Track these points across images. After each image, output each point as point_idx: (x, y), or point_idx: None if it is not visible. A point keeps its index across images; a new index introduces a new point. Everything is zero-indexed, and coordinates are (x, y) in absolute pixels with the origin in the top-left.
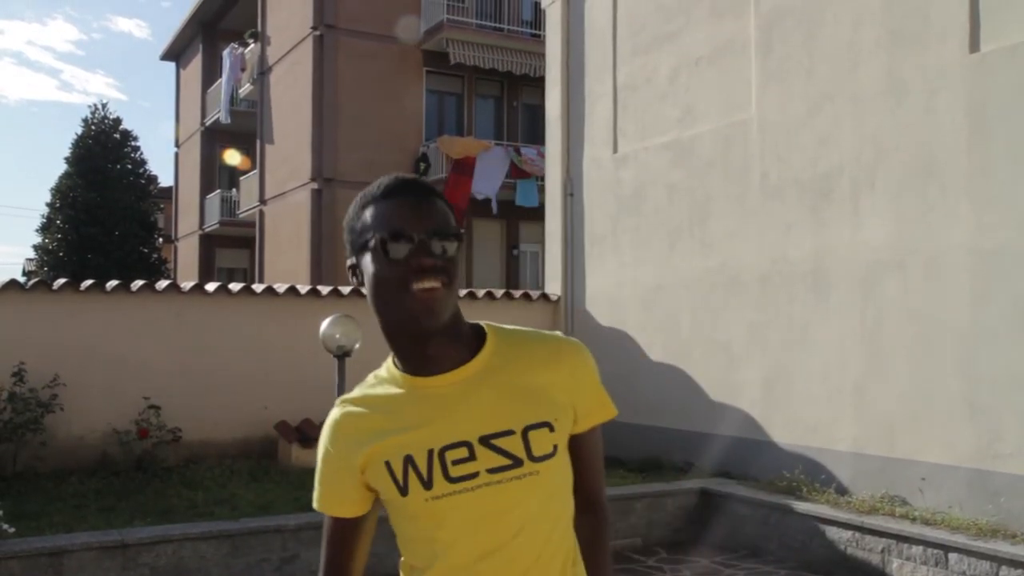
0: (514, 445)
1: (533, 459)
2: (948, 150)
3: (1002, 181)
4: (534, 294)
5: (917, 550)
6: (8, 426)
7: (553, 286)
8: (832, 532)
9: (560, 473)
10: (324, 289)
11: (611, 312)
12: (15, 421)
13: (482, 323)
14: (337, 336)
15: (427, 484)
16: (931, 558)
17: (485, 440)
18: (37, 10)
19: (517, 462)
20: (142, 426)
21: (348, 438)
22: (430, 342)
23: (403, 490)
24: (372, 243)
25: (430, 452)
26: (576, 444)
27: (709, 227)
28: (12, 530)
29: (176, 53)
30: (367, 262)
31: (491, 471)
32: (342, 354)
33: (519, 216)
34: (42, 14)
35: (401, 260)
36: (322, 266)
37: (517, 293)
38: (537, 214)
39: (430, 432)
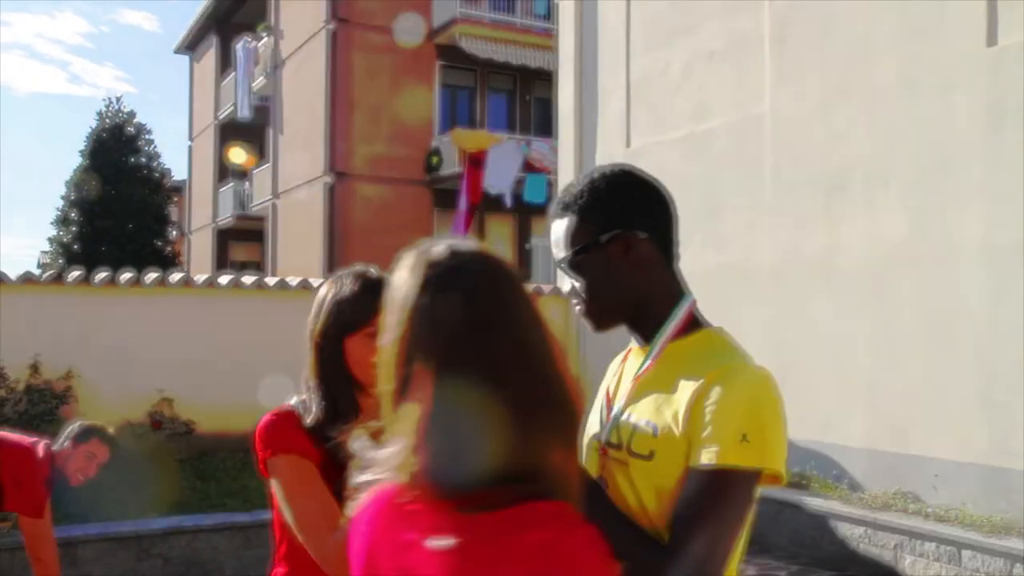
0: (626, 430)
1: (630, 451)
2: (963, 145)
3: (1018, 176)
4: (546, 288)
5: (930, 546)
6: (24, 417)
7: (565, 281)
8: (844, 528)
9: (657, 481)
10: None
11: None
12: (31, 412)
13: (713, 328)
14: None
15: (587, 429)
16: (944, 555)
17: (618, 416)
18: (45, 3)
19: (620, 445)
20: (155, 418)
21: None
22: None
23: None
24: None
25: (600, 406)
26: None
27: (722, 222)
28: None
29: (189, 47)
30: None
31: (609, 443)
32: None
33: (531, 211)
34: (50, 7)
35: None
36: (334, 260)
37: (529, 287)
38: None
39: (612, 390)
